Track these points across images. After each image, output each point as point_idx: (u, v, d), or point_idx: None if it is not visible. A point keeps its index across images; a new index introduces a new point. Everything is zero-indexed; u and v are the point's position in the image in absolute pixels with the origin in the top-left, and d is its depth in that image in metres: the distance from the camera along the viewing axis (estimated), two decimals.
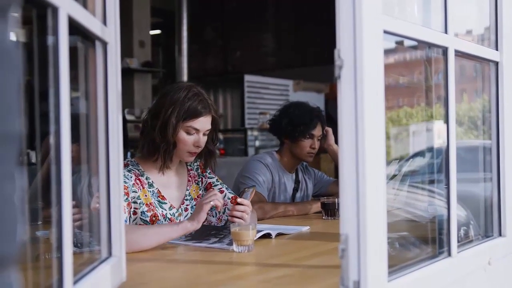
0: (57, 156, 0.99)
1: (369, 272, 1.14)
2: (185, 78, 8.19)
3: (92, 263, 1.28)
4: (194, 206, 2.32)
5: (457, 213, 1.53)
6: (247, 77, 8.14)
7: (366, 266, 1.14)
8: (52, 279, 1.01)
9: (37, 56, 1.03)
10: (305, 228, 2.35)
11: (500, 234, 1.77)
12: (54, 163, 0.98)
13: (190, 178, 2.39)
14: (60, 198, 0.99)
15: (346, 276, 1.16)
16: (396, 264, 1.31)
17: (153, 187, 2.24)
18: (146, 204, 2.18)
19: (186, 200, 2.34)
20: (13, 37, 0.54)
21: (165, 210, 2.23)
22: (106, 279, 1.27)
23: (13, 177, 0.54)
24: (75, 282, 1.07)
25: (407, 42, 1.50)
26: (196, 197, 2.37)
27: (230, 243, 1.91)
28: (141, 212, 2.16)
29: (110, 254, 1.36)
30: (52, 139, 1.00)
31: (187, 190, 2.36)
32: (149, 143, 2.22)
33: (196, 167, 2.43)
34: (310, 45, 8.91)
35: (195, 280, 1.57)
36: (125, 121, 5.59)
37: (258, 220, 2.64)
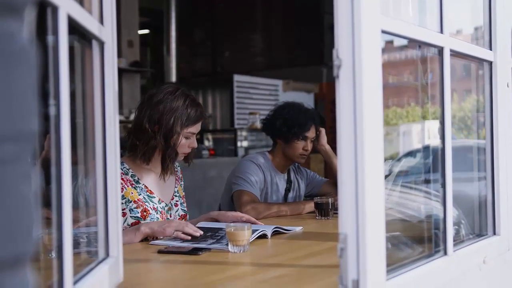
0: (57, 156, 0.98)
1: (368, 271, 1.14)
2: (173, 78, 8.16)
3: (89, 263, 1.27)
4: (183, 204, 2.43)
5: None
6: (236, 77, 8.11)
7: (365, 265, 1.14)
8: (50, 279, 1.01)
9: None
10: (299, 229, 2.35)
11: (494, 233, 1.79)
12: (54, 164, 0.97)
13: (177, 177, 2.47)
14: (60, 199, 0.98)
15: (345, 275, 1.16)
16: (394, 263, 1.32)
17: (140, 183, 2.28)
18: (134, 201, 2.21)
19: (176, 196, 2.41)
20: (29, 36, 0.53)
21: (155, 203, 2.28)
22: (105, 279, 1.27)
23: (29, 177, 0.53)
24: (75, 283, 1.06)
25: (397, 42, 1.49)
26: (182, 195, 2.46)
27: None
28: (129, 210, 2.19)
29: (107, 254, 1.35)
30: (51, 140, 0.99)
31: (176, 187, 2.43)
32: (149, 149, 2.24)
33: (178, 170, 2.51)
34: (299, 45, 8.94)
35: (192, 280, 1.57)
36: None
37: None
